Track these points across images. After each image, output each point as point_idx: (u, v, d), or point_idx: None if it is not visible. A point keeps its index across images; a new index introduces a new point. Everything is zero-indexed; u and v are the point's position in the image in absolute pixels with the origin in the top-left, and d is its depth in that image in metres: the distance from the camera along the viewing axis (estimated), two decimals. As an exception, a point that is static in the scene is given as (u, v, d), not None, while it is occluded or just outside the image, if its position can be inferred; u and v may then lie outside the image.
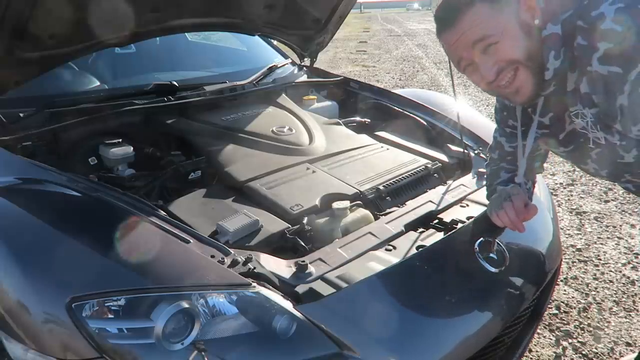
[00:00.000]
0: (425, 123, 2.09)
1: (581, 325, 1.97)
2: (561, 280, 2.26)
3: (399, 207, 1.52)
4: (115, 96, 1.85)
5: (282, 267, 1.14)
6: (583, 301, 2.12)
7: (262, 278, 1.08)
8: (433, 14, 1.03)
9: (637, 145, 0.97)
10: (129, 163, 1.65)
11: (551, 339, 1.90)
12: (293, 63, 2.67)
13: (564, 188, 3.31)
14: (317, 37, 2.45)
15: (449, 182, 1.67)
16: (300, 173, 1.60)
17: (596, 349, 1.85)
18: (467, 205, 1.50)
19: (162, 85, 1.94)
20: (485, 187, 1.43)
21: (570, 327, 1.96)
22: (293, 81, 2.38)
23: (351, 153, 1.79)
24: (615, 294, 2.17)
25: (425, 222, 1.41)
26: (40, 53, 1.57)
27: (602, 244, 2.59)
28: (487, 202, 1.35)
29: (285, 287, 1.08)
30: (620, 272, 2.33)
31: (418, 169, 1.71)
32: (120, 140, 1.64)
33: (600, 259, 2.44)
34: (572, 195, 3.20)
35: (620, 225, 2.77)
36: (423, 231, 1.36)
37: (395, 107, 2.24)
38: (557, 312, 2.06)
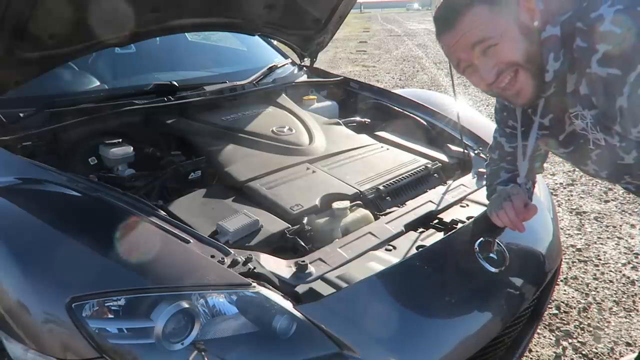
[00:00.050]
0: (425, 123, 2.09)
1: (581, 325, 1.97)
2: (561, 280, 2.26)
3: (399, 207, 1.52)
4: (115, 96, 1.85)
5: (282, 267, 1.14)
6: (583, 301, 2.12)
7: (262, 278, 1.08)
8: (433, 14, 1.03)
9: (637, 146, 0.97)
10: (129, 163, 1.65)
11: (551, 339, 1.90)
12: (293, 63, 2.67)
13: (564, 188, 3.32)
14: (317, 37, 2.45)
15: (449, 182, 1.67)
16: (300, 173, 1.60)
17: (596, 349, 1.85)
18: (467, 205, 1.50)
19: (162, 85, 1.94)
20: (485, 187, 1.43)
21: (570, 327, 1.96)
22: (293, 81, 2.38)
23: (351, 153, 1.79)
24: (615, 294, 2.17)
25: (425, 222, 1.41)
26: (40, 53, 1.57)
27: (602, 244, 2.59)
28: (487, 202, 1.35)
29: (285, 287, 1.08)
30: (620, 272, 2.33)
31: (418, 169, 1.71)
32: (120, 140, 1.64)
33: (600, 259, 2.44)
34: (572, 195, 3.20)
35: (620, 225, 2.77)
36: (423, 231, 1.36)
37: (395, 107, 2.24)
38: (557, 312, 2.06)
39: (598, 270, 2.35)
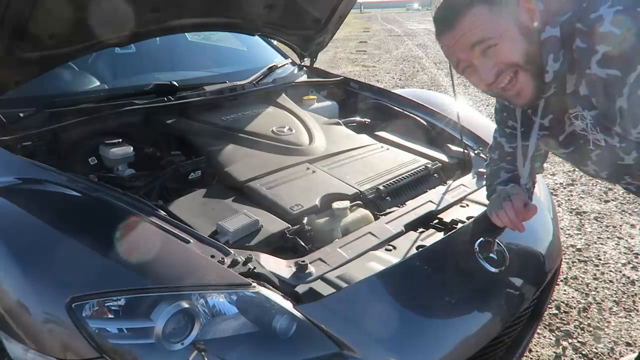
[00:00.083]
0: (425, 123, 2.09)
1: (581, 325, 1.97)
2: (561, 280, 2.26)
3: (399, 207, 1.52)
4: (115, 96, 1.85)
5: (282, 267, 1.14)
6: (583, 301, 2.12)
7: (262, 278, 1.08)
8: (433, 14, 1.03)
9: (637, 147, 0.97)
10: (129, 163, 1.65)
11: (551, 339, 1.90)
12: (293, 63, 2.67)
13: (564, 188, 3.32)
14: (317, 37, 2.45)
15: (449, 182, 1.67)
16: (300, 173, 1.60)
17: (596, 349, 1.85)
18: (467, 205, 1.50)
19: (162, 85, 1.94)
20: (485, 187, 1.43)
21: (570, 327, 1.96)
22: (293, 81, 2.38)
23: (351, 153, 1.79)
24: (615, 294, 2.17)
25: (425, 222, 1.41)
26: (40, 53, 1.57)
27: (602, 244, 2.59)
28: (487, 202, 1.35)
29: (285, 287, 1.08)
30: (620, 272, 2.33)
31: (418, 169, 1.71)
32: (120, 140, 1.64)
33: (600, 259, 2.44)
34: (572, 195, 3.20)
35: (620, 225, 2.77)
36: (423, 231, 1.36)
37: (395, 107, 2.24)
38: (557, 312, 2.06)
39: (598, 270, 2.35)
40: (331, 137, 1.90)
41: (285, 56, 2.73)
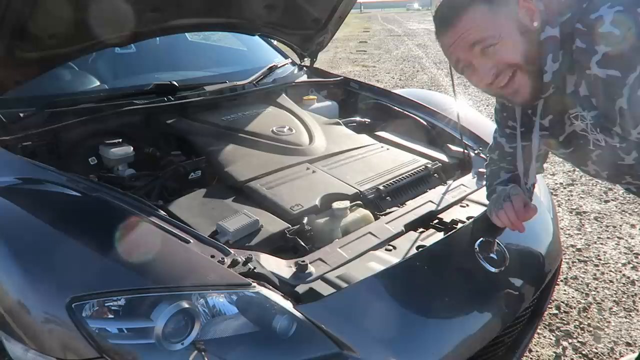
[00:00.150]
0: (425, 123, 2.09)
1: (581, 325, 1.97)
2: (561, 280, 2.26)
3: (399, 207, 1.52)
4: (116, 96, 1.85)
5: (282, 267, 1.14)
6: (583, 301, 2.12)
7: (262, 278, 1.08)
8: (433, 14, 1.03)
9: (637, 147, 0.97)
10: (129, 163, 1.65)
11: (551, 339, 1.90)
12: (293, 63, 2.67)
13: (564, 188, 3.31)
14: (317, 37, 2.45)
15: (449, 182, 1.67)
16: (300, 173, 1.60)
17: (596, 349, 1.85)
18: (467, 205, 1.50)
19: (162, 85, 1.94)
20: (485, 187, 1.43)
21: (570, 327, 1.96)
22: (293, 81, 2.38)
23: (351, 153, 1.79)
24: (615, 294, 2.17)
25: (425, 222, 1.41)
26: (40, 53, 1.57)
27: (602, 244, 2.59)
28: (487, 202, 1.35)
29: (285, 287, 1.08)
30: (620, 272, 2.33)
31: (418, 169, 1.71)
32: (120, 140, 1.64)
33: (600, 259, 2.44)
34: (572, 195, 3.20)
35: (620, 225, 2.77)
36: (423, 231, 1.36)
37: (395, 107, 2.24)
38: (557, 312, 2.06)
39: (598, 270, 2.35)
40: (331, 137, 1.90)
41: (285, 56, 2.73)
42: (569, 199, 3.14)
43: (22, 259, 1.04)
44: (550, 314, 2.04)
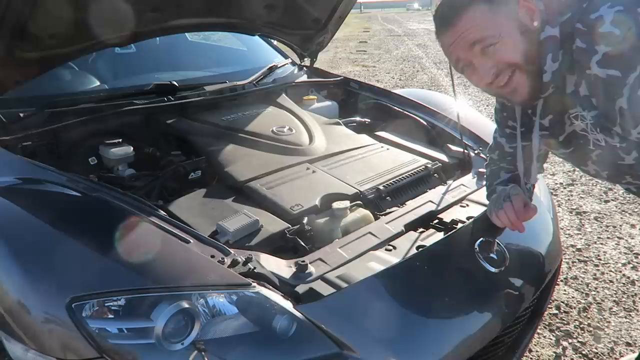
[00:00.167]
0: (425, 123, 2.09)
1: (581, 325, 1.97)
2: (561, 280, 2.26)
3: (399, 207, 1.52)
4: (116, 96, 1.85)
5: (282, 267, 1.14)
6: (583, 301, 2.12)
7: (262, 278, 1.08)
8: (433, 13, 1.03)
9: (638, 147, 0.97)
10: (129, 163, 1.65)
11: (551, 339, 1.90)
12: (293, 63, 2.67)
13: (564, 188, 3.31)
14: (317, 37, 2.45)
15: (449, 182, 1.67)
16: (300, 173, 1.60)
17: (596, 349, 1.85)
18: (467, 205, 1.50)
19: (162, 85, 1.94)
20: (485, 187, 1.43)
21: (570, 327, 1.96)
22: (293, 81, 2.38)
23: (351, 153, 1.79)
24: (615, 294, 2.17)
25: (425, 222, 1.41)
26: (40, 53, 1.57)
27: (602, 244, 2.59)
28: (487, 202, 1.35)
29: (285, 287, 1.08)
30: (620, 272, 2.33)
31: (418, 169, 1.71)
32: (120, 140, 1.64)
33: (600, 259, 2.44)
34: (572, 195, 3.20)
35: (620, 225, 2.77)
36: (423, 231, 1.36)
37: (395, 107, 2.24)
38: (557, 312, 2.06)
39: (598, 270, 2.35)
40: (331, 137, 1.90)
41: (285, 56, 2.73)
42: (569, 199, 3.14)
43: (22, 259, 1.04)
44: (550, 314, 2.04)
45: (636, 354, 1.73)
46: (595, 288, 2.21)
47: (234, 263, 1.10)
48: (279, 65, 2.46)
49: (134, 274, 1.00)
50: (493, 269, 1.26)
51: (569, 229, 2.75)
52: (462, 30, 0.95)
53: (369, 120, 2.24)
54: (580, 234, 2.69)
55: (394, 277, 1.16)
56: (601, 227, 2.76)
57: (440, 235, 1.34)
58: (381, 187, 1.56)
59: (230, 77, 2.23)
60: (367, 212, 1.44)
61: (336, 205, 1.40)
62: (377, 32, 17.58)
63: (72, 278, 1.01)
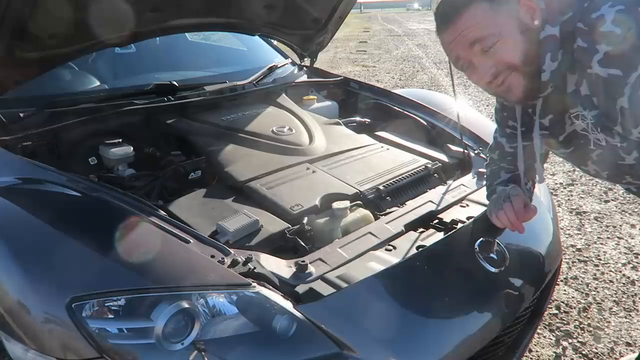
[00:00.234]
0: (425, 123, 2.09)
1: (581, 325, 1.97)
2: (561, 280, 2.26)
3: (399, 207, 1.52)
4: (115, 96, 1.85)
5: (282, 267, 1.14)
6: (583, 301, 2.12)
7: (262, 278, 1.08)
8: (434, 11, 1.03)
9: (638, 147, 0.97)
10: (129, 163, 1.65)
11: (551, 339, 1.90)
12: (293, 63, 2.67)
13: (564, 188, 3.31)
14: (317, 37, 2.45)
15: (449, 182, 1.67)
16: (300, 173, 1.60)
17: (596, 349, 1.85)
18: (467, 205, 1.50)
19: (162, 85, 1.94)
20: (485, 187, 1.43)
21: (570, 327, 1.96)
22: (293, 81, 2.38)
23: (351, 153, 1.79)
24: (615, 294, 2.17)
25: (425, 222, 1.41)
26: (40, 53, 1.57)
27: (602, 244, 2.59)
28: (487, 202, 1.35)
29: (285, 287, 1.08)
30: (620, 272, 2.33)
31: (418, 169, 1.71)
32: (120, 140, 1.64)
33: (600, 259, 2.44)
34: (572, 195, 3.20)
35: (620, 225, 2.77)
36: (423, 231, 1.36)
37: (396, 107, 2.24)
38: (557, 312, 2.06)
39: (598, 270, 2.35)
40: (331, 137, 1.90)
41: (285, 56, 2.73)
42: (569, 199, 3.14)
43: (22, 259, 1.04)
44: (550, 314, 2.04)
45: (636, 354, 1.73)
46: (595, 288, 2.21)
47: (234, 263, 1.10)
48: (279, 65, 2.46)
49: (134, 274, 1.00)
50: (493, 269, 1.26)
51: (569, 229, 2.75)
52: (462, 29, 0.95)
53: (369, 120, 2.24)
54: (580, 234, 2.69)
55: (394, 277, 1.16)
56: (601, 227, 2.76)
57: (440, 235, 1.33)
58: (381, 187, 1.56)
59: (230, 77, 2.23)
60: (367, 212, 1.44)
61: (336, 205, 1.40)
62: (377, 32, 17.58)
63: (72, 278, 1.01)
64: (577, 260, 2.44)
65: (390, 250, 1.25)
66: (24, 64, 1.56)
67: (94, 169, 1.62)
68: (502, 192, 1.23)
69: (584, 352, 1.83)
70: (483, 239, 1.31)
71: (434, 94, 2.53)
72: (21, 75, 1.58)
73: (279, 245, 1.28)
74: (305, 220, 1.36)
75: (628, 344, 1.87)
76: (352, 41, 14.04)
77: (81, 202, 1.23)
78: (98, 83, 2.03)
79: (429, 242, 1.28)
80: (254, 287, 1.04)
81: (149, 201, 1.32)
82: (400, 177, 1.64)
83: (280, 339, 0.97)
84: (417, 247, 1.25)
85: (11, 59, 1.50)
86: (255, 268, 1.09)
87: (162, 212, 1.24)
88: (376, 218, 1.44)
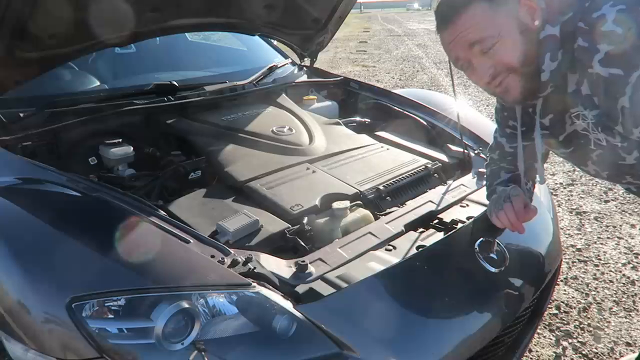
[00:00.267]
0: (425, 123, 2.09)
1: (581, 325, 1.97)
2: (561, 280, 2.26)
3: (399, 207, 1.52)
4: (116, 96, 1.85)
5: (282, 267, 1.14)
6: (583, 301, 2.12)
7: (262, 278, 1.08)
8: (434, 10, 1.03)
9: (639, 147, 0.97)
10: (129, 163, 1.65)
11: (551, 339, 1.90)
12: (293, 63, 2.67)
13: (564, 188, 3.31)
14: (317, 37, 2.45)
15: (449, 182, 1.67)
16: (300, 173, 1.60)
17: (596, 349, 1.85)
18: (467, 205, 1.50)
19: (162, 85, 1.94)
20: (485, 187, 1.43)
21: (570, 327, 1.96)
22: (293, 81, 2.38)
23: (351, 153, 1.79)
24: (615, 294, 2.17)
25: (425, 222, 1.41)
26: (40, 53, 1.57)
27: (602, 244, 2.59)
28: (487, 202, 1.35)
29: (285, 287, 1.08)
30: (620, 272, 2.33)
31: (418, 169, 1.71)
32: (120, 140, 1.64)
33: (600, 259, 2.44)
34: (572, 195, 3.20)
35: (620, 225, 2.77)
36: (423, 231, 1.36)
37: (396, 107, 2.24)
38: (557, 312, 2.06)
39: (598, 270, 2.35)
40: (331, 137, 1.90)
41: (285, 56, 2.73)
42: (569, 199, 3.14)
43: (22, 259, 1.04)
44: (550, 314, 2.04)
45: (636, 354, 1.73)
46: (595, 288, 2.21)
47: (234, 263, 1.10)
48: (279, 65, 2.46)
49: (134, 274, 1.00)
50: (493, 269, 1.26)
51: (569, 229, 2.75)
52: (461, 30, 0.95)
53: (369, 120, 2.24)
54: (580, 234, 2.69)
55: (394, 277, 1.16)
56: (601, 227, 2.76)
57: (440, 235, 1.33)
58: (381, 187, 1.56)
59: (230, 77, 2.23)
60: (367, 212, 1.44)
61: (336, 205, 1.40)
62: (377, 32, 17.57)
63: (72, 278, 1.01)
64: (577, 260, 2.44)
65: (390, 250, 1.25)
66: (24, 64, 1.56)
67: (94, 169, 1.62)
68: (502, 192, 1.23)
69: (584, 352, 1.83)
70: (483, 239, 1.31)
71: (434, 94, 2.53)
72: (21, 75, 1.58)
73: (279, 245, 1.28)
74: (305, 220, 1.36)
75: (628, 344, 1.87)
76: (352, 41, 14.04)
77: (81, 202, 1.23)
78: (98, 83, 2.03)
79: (429, 242, 1.28)
80: (254, 287, 1.04)
81: (149, 201, 1.32)
82: (400, 177, 1.64)
83: (280, 339, 0.97)
84: (417, 247, 1.25)
85: (11, 59, 1.50)
86: (255, 268, 1.09)
87: (162, 212, 1.24)
88: (376, 218, 1.44)
